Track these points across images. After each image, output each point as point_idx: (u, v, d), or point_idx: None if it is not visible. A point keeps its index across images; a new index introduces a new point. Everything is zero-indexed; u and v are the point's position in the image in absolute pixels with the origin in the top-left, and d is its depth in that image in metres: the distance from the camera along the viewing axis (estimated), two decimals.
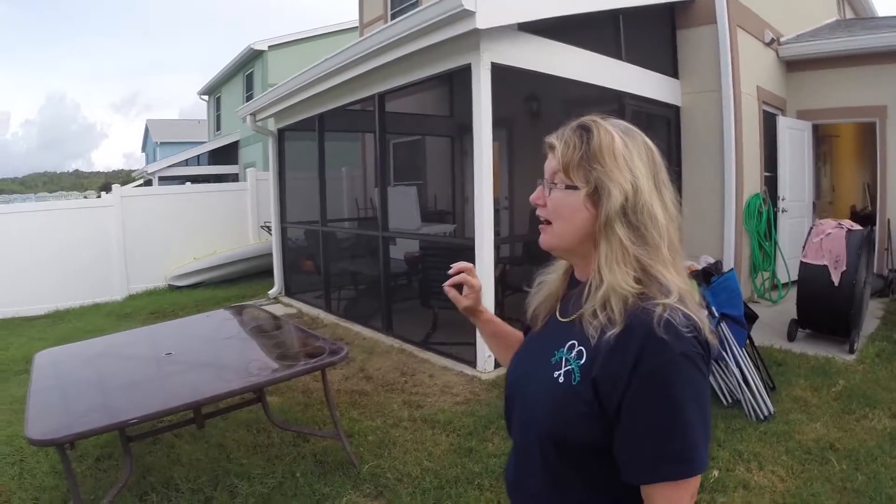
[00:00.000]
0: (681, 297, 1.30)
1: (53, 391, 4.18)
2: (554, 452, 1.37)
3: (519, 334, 1.94)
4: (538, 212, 1.49)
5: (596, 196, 1.37)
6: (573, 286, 1.52)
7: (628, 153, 1.38)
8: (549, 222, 1.47)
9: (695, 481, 1.24)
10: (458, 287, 1.86)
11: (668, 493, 1.23)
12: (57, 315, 11.52)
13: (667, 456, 1.21)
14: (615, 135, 1.39)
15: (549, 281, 1.62)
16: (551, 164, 1.45)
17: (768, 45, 10.33)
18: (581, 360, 1.33)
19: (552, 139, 1.46)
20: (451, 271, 1.84)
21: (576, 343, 1.37)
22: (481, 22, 5.71)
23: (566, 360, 1.37)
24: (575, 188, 1.39)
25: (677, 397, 1.21)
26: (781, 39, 10.86)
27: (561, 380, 1.36)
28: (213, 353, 5.06)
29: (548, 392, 1.38)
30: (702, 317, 1.30)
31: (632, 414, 1.23)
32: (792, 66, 11.14)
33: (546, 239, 1.49)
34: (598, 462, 1.32)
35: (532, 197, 1.50)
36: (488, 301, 6.34)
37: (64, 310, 11.84)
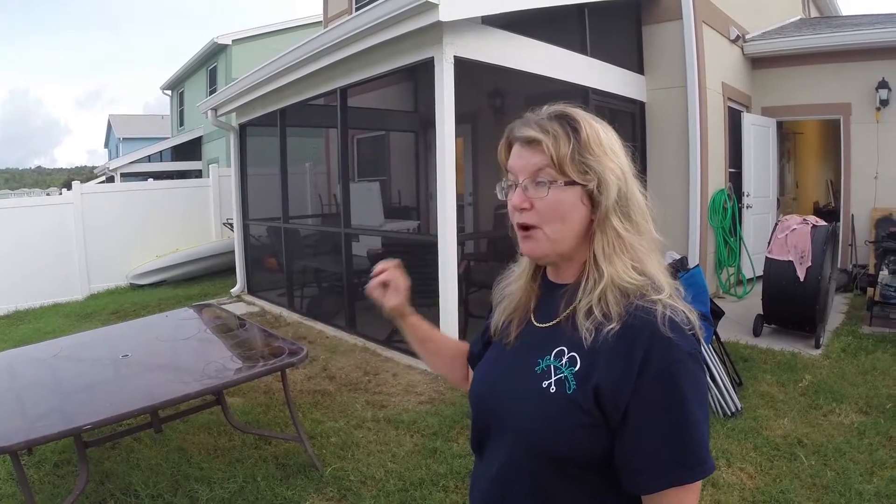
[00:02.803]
0: (671, 293, 1.25)
1: (8, 395, 4.06)
2: (547, 470, 1.28)
3: (450, 341, 1.88)
4: (521, 218, 1.35)
5: (597, 188, 1.28)
6: (548, 289, 1.43)
7: (609, 140, 1.32)
8: (533, 227, 1.34)
9: (701, 482, 1.19)
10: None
11: (679, 499, 1.17)
12: (16, 316, 11.29)
13: (680, 460, 1.15)
14: (594, 123, 1.33)
15: (514, 290, 1.52)
16: (534, 160, 1.31)
17: (734, 41, 10.37)
18: (575, 366, 1.25)
19: (531, 132, 1.31)
20: (374, 272, 1.72)
21: (565, 349, 1.28)
22: (444, 14, 5.63)
23: (555, 367, 1.28)
24: (574, 184, 1.28)
25: (687, 398, 1.16)
26: (747, 37, 10.93)
27: (552, 390, 1.26)
28: (171, 355, 4.93)
29: (537, 405, 1.28)
30: (693, 312, 1.25)
31: (641, 420, 1.17)
32: (757, 63, 11.21)
33: (535, 247, 1.35)
34: (597, 475, 1.25)
35: (516, 201, 1.34)
36: (452, 298, 6.30)
37: (24, 310, 11.61)
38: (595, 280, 1.28)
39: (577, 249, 1.34)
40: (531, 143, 1.32)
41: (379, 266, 1.72)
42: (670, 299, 1.23)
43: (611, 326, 1.20)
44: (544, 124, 1.31)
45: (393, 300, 1.72)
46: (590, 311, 1.25)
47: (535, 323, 1.42)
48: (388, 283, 1.72)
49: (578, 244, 1.33)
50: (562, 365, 1.27)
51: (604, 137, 1.31)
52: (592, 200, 1.30)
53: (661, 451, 1.16)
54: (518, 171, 1.35)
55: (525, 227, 1.36)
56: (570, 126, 1.29)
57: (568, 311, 1.32)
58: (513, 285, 1.53)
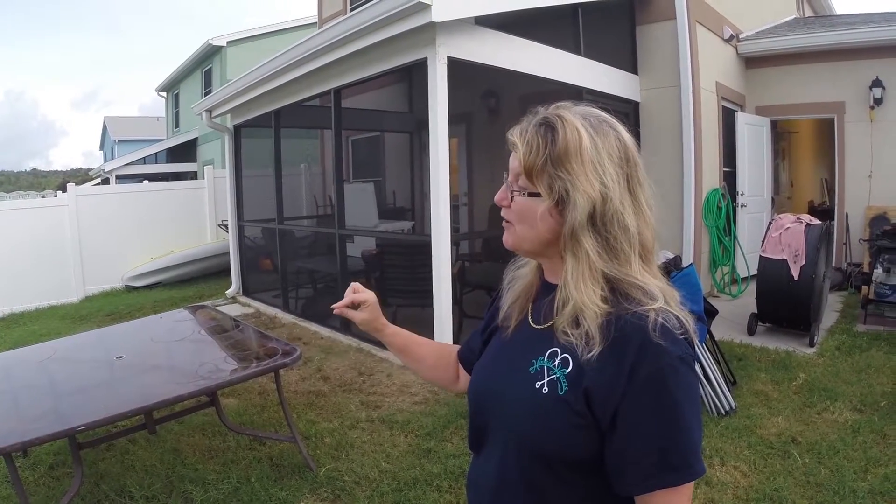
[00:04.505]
0: (665, 298, 1.23)
1: (3, 397, 4.05)
2: (540, 469, 1.28)
3: (433, 344, 1.91)
4: (503, 212, 1.39)
5: (561, 205, 1.26)
6: (545, 286, 1.43)
7: (597, 155, 1.25)
8: (509, 221, 1.37)
9: (693, 484, 1.19)
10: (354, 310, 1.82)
11: (668, 500, 1.17)
12: (12, 318, 11.28)
13: (669, 463, 1.15)
14: (583, 133, 1.26)
15: (521, 275, 1.52)
16: (514, 163, 1.33)
17: (727, 41, 10.39)
18: (567, 368, 1.24)
19: (514, 136, 1.33)
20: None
21: (558, 351, 1.27)
22: (437, 15, 5.64)
23: (548, 368, 1.27)
24: (538, 195, 1.29)
25: (676, 402, 1.15)
26: (741, 36, 10.95)
27: (545, 390, 1.25)
28: (165, 356, 4.93)
29: (530, 405, 1.28)
30: (688, 316, 1.24)
31: (630, 423, 1.16)
32: (751, 62, 11.24)
33: (509, 239, 1.39)
34: (589, 475, 1.24)
35: (497, 197, 1.39)
36: (446, 299, 6.30)
37: (19, 312, 11.62)
38: (564, 300, 1.26)
39: (552, 252, 1.34)
40: (514, 147, 1.33)
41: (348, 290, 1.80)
42: (665, 305, 1.22)
43: (599, 349, 1.19)
44: (526, 130, 1.32)
45: (362, 313, 1.79)
46: (565, 332, 1.25)
47: (532, 323, 1.41)
48: (355, 302, 1.79)
49: (553, 248, 1.33)
50: (555, 366, 1.27)
51: (587, 152, 1.25)
52: (563, 215, 1.27)
53: (650, 453, 1.15)
54: (509, 170, 1.37)
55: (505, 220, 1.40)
56: (549, 135, 1.28)
57: (550, 323, 1.32)
58: (524, 268, 1.53)
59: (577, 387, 1.21)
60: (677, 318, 1.21)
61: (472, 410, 1.51)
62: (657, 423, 1.15)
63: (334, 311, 1.81)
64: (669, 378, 1.15)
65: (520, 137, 1.31)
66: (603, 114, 1.36)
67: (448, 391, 1.74)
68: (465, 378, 1.79)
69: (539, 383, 1.27)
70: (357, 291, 1.80)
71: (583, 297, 1.23)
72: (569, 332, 1.24)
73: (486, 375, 1.51)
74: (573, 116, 1.29)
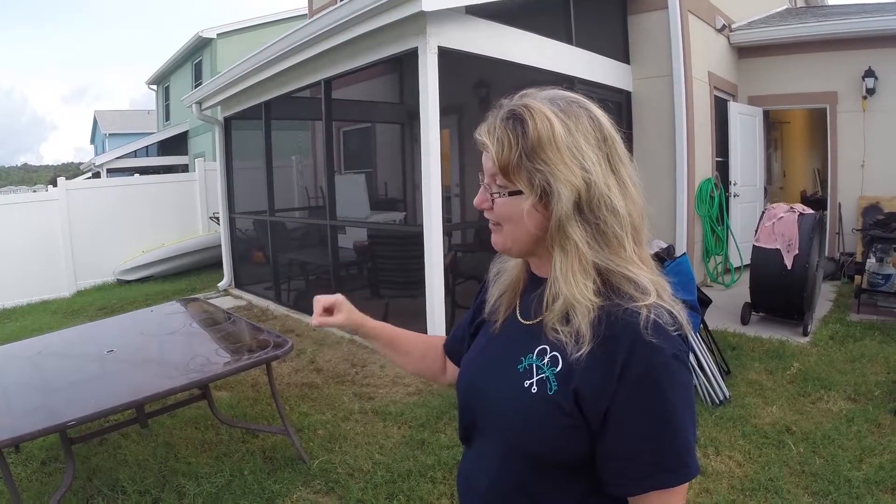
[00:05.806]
0: (657, 292, 1.19)
1: None
2: (530, 468, 1.25)
3: (418, 336, 1.88)
4: (486, 214, 1.34)
5: (545, 199, 1.22)
6: (532, 280, 1.39)
7: (572, 140, 1.20)
8: (496, 223, 1.32)
9: (687, 484, 1.16)
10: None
11: (662, 501, 1.14)
12: (3, 313, 11.21)
13: (663, 463, 1.12)
14: (554, 120, 1.21)
15: (508, 268, 1.48)
16: (487, 164, 1.28)
17: (720, 31, 10.38)
18: (557, 367, 1.21)
19: (482, 136, 1.28)
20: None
21: (548, 349, 1.24)
22: (427, 4, 5.61)
23: (537, 367, 1.24)
24: (519, 193, 1.24)
25: (670, 401, 1.13)
26: (733, 26, 10.95)
27: (534, 390, 1.22)
28: (157, 350, 4.89)
29: (518, 404, 1.25)
30: (681, 310, 1.20)
31: (622, 423, 1.14)
32: (743, 52, 11.24)
33: (499, 241, 1.34)
34: (580, 475, 1.22)
35: (476, 201, 1.35)
36: (438, 289, 6.30)
37: (10, 308, 11.55)
38: (554, 296, 1.23)
39: (543, 248, 1.29)
40: (484, 147, 1.29)
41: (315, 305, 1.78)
42: (657, 299, 1.18)
43: (589, 347, 1.16)
44: (494, 126, 1.27)
45: (339, 314, 1.77)
46: (555, 329, 1.22)
47: (520, 318, 1.38)
48: (326, 307, 1.77)
49: (543, 245, 1.28)
50: (544, 364, 1.24)
51: (562, 138, 1.20)
52: (548, 208, 1.23)
53: (642, 454, 1.13)
54: (484, 171, 1.32)
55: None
56: (519, 128, 1.23)
57: (539, 319, 1.28)
58: (511, 261, 1.48)
59: (567, 386, 1.18)
60: (670, 312, 1.18)
61: (461, 406, 1.49)
62: (650, 423, 1.13)
63: (313, 326, 1.79)
64: (662, 377, 1.13)
65: (489, 136, 1.27)
66: (571, 94, 1.31)
67: (437, 383, 1.72)
68: (452, 370, 1.77)
69: (528, 382, 1.24)
70: (319, 301, 1.78)
71: (573, 291, 1.19)
72: (558, 328, 1.21)
73: (474, 371, 1.47)
74: (540, 104, 1.25)
